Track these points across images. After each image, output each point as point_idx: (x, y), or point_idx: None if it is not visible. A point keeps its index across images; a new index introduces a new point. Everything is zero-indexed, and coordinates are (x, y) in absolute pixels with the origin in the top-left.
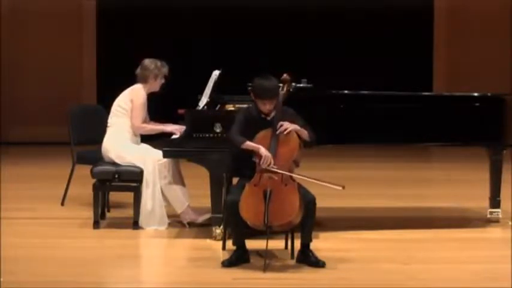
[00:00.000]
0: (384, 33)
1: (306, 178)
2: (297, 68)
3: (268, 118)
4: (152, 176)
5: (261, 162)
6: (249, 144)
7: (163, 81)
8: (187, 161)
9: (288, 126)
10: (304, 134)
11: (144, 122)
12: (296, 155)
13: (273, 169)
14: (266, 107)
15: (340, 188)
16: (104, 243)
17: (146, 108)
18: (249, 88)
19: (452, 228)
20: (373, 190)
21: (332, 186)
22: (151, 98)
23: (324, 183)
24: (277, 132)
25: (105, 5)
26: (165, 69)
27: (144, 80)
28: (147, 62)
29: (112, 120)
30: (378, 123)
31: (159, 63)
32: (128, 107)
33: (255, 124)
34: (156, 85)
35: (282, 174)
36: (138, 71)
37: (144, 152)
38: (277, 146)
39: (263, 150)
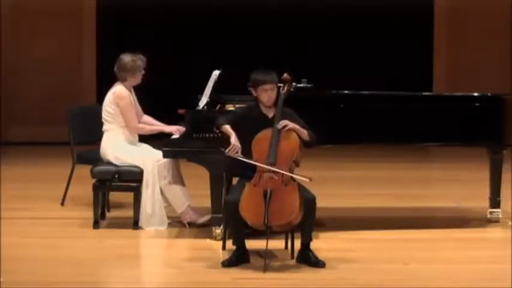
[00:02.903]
0: (384, 33)
1: (276, 170)
2: (297, 68)
3: (270, 116)
4: (152, 176)
5: (228, 150)
6: (225, 127)
7: (143, 72)
8: (187, 161)
9: (288, 122)
10: (304, 133)
11: (138, 116)
12: (296, 155)
13: (239, 158)
14: (268, 94)
15: (308, 180)
16: (104, 243)
17: (136, 104)
18: (249, 87)
19: (452, 228)
20: (373, 190)
21: (300, 178)
22: (149, 97)
23: (292, 175)
24: (279, 127)
25: (105, 4)
26: (140, 62)
27: (123, 79)
28: (123, 60)
29: (105, 126)
30: (378, 123)
31: (135, 58)
32: (115, 111)
33: (255, 123)
34: (136, 80)
35: (282, 174)
36: (116, 69)
37: (143, 152)
38: (278, 146)
39: (233, 138)
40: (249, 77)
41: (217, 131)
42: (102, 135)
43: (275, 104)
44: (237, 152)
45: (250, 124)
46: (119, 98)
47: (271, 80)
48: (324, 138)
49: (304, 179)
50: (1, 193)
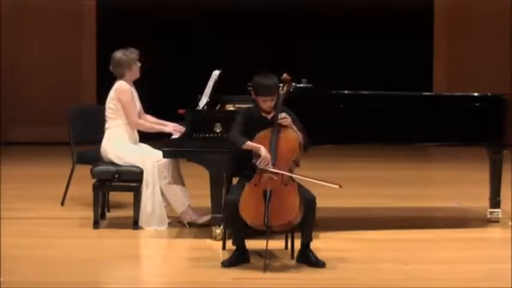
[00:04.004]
0: (384, 33)
1: (302, 177)
2: (297, 68)
3: (269, 117)
4: (152, 176)
5: (258, 162)
6: (249, 144)
7: (139, 65)
8: (187, 161)
9: (288, 117)
10: (299, 135)
11: (140, 114)
12: (296, 155)
13: (270, 169)
14: (267, 104)
15: (337, 186)
16: (104, 243)
17: (137, 101)
18: (249, 87)
19: (452, 228)
20: (373, 190)
21: (329, 185)
22: (149, 97)
23: (321, 182)
24: (278, 120)
25: (105, 5)
26: (134, 55)
27: (121, 75)
28: (116, 57)
29: (108, 123)
30: (378, 123)
31: (126, 52)
32: (117, 107)
33: (256, 124)
34: (134, 73)
35: (282, 174)
36: (112, 68)
37: (143, 152)
38: (277, 146)
39: (263, 150)
40: (252, 79)
41: (240, 150)
42: (102, 135)
43: (274, 105)
44: (267, 164)
45: (252, 126)
46: (120, 92)
47: (272, 93)
48: (324, 138)
49: (334, 186)
50: (1, 193)
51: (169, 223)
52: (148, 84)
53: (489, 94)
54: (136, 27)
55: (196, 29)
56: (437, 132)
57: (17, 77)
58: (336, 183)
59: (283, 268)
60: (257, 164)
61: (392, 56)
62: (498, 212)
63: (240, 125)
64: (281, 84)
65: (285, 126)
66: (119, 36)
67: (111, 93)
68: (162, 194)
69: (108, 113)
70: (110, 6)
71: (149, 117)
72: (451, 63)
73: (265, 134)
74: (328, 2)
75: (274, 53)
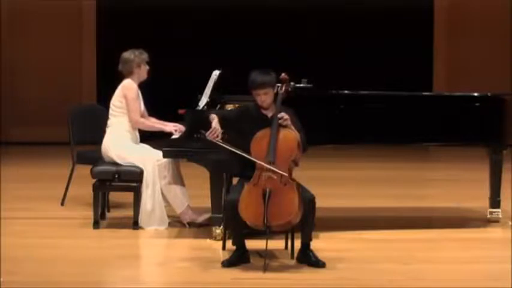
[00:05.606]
0: (383, 33)
1: (270, 167)
2: (297, 68)
3: (269, 116)
4: (152, 176)
5: (208, 133)
6: (211, 116)
7: (147, 67)
8: (187, 161)
9: (287, 116)
10: (298, 136)
11: (142, 116)
12: (295, 155)
13: (218, 143)
14: (260, 98)
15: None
16: (104, 243)
17: (141, 101)
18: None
19: (452, 228)
20: (373, 190)
21: (259, 162)
22: (149, 97)
23: (250, 157)
24: (278, 117)
25: (105, 4)
26: (144, 56)
27: (130, 73)
28: (125, 55)
29: (111, 120)
30: (378, 123)
31: (136, 52)
32: (123, 104)
33: (254, 122)
34: (142, 73)
35: (281, 174)
36: (121, 67)
37: (143, 152)
38: (276, 145)
39: (214, 123)
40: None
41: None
42: (102, 135)
43: (275, 103)
44: (217, 136)
45: (249, 123)
46: (126, 89)
47: (262, 86)
48: (324, 138)
49: (264, 165)
50: (1, 193)
51: (169, 223)
52: (148, 85)
53: (489, 94)
54: (137, 27)
55: (196, 29)
56: (438, 132)
57: (17, 77)
58: (265, 161)
59: (283, 268)
60: (206, 135)
61: (392, 56)
62: (498, 212)
63: (230, 112)
64: (279, 84)
65: (285, 126)
66: (118, 37)
67: (118, 91)
68: (162, 194)
69: (113, 110)
70: (110, 6)
71: (153, 120)
72: (451, 63)
73: (264, 133)
74: (328, 2)
75: (275, 53)
